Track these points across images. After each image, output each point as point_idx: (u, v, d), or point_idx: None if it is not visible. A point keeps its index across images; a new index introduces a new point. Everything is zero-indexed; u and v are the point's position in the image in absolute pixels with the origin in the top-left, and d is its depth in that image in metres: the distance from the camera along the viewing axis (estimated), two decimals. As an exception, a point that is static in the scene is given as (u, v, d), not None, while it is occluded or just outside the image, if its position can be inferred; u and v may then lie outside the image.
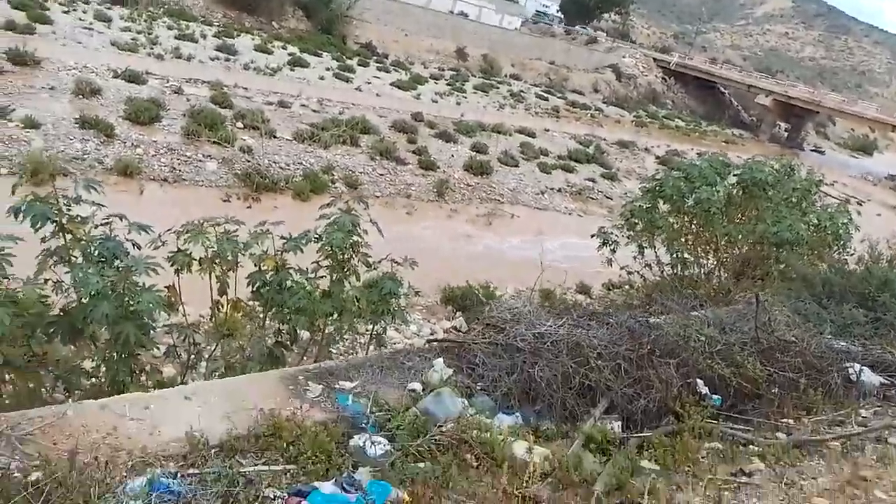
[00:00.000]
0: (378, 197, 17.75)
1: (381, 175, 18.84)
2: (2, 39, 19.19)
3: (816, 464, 3.74)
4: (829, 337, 5.71)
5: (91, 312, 4.48)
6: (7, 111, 14.54)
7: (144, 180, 14.36)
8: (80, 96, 16.70)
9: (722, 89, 68.49)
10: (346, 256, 5.66)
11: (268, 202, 14.85)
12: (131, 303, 4.75)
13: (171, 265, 5.47)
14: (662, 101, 60.33)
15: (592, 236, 12.08)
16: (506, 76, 49.90)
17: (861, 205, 37.08)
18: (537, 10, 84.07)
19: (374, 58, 40.43)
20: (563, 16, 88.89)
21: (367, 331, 6.54)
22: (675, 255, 11.16)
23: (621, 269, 12.31)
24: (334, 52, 36.69)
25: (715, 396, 4.49)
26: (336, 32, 42.10)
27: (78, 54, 20.22)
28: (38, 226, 4.94)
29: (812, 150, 65.64)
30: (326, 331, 5.93)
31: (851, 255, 12.10)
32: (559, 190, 23.12)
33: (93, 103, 16.58)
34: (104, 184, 13.98)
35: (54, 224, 5.07)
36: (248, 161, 16.15)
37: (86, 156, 14.23)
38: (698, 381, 4.48)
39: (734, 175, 11.50)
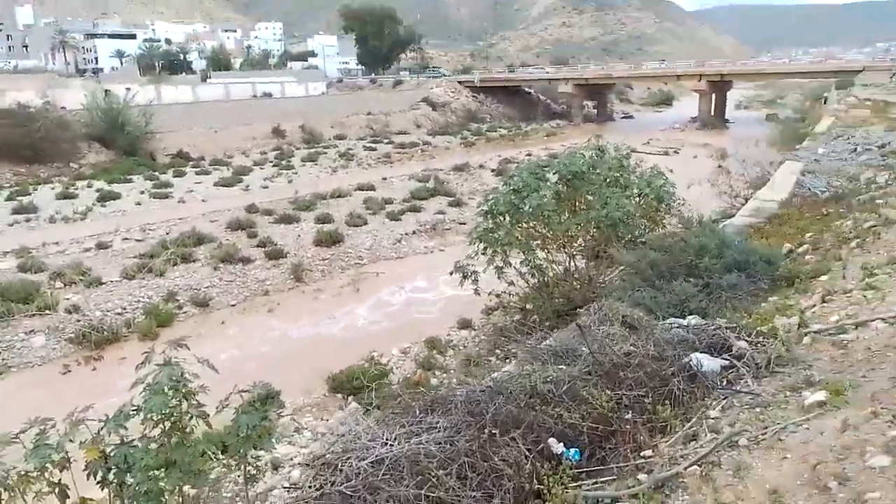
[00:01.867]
0: (233, 305, 16.81)
1: (230, 282, 17.90)
2: None
3: (682, 502, 3.70)
4: (669, 323, 5.86)
5: None
6: None
7: (-37, 385, 12.57)
8: None
9: (528, 90, 73.21)
10: (176, 416, 5.04)
11: (113, 356, 13.52)
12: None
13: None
14: (480, 117, 63.27)
15: (451, 273, 12.12)
16: (330, 139, 50.00)
17: (678, 152, 40.76)
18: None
19: (190, 164, 38.97)
20: (363, 67, 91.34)
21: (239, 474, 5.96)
22: (530, 265, 11.41)
23: (488, 294, 12.43)
24: (146, 173, 34.91)
25: (572, 450, 4.34)
26: (141, 152, 40.10)
27: None
28: None
29: (623, 118, 71.71)
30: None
31: (682, 205, 13.03)
32: (414, 232, 23.25)
33: None
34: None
35: None
36: (79, 320, 14.68)
37: None
38: (550, 441, 4.34)
39: (554, 173, 12.02)
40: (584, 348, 5.04)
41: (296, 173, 36.10)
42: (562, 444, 4.34)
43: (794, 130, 37.70)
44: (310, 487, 4.45)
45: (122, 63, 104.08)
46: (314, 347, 13.96)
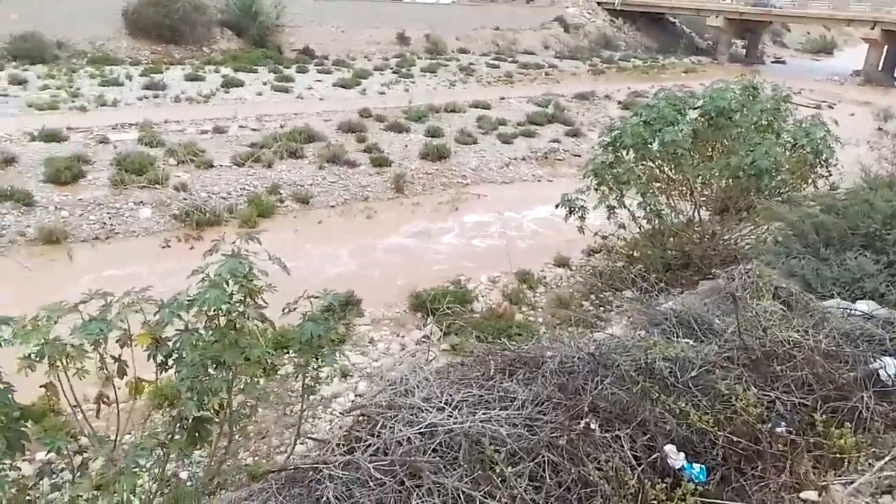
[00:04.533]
0: (332, 206, 16.69)
1: (333, 182, 17.73)
2: None
3: None
4: (839, 306, 4.56)
5: None
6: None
7: (74, 243, 13.23)
8: (-6, 168, 15.48)
9: (672, 19, 67.24)
10: (234, 314, 4.58)
11: (211, 237, 13.69)
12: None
13: (18, 370, 4.43)
14: (615, 44, 59.01)
15: (557, 206, 11.13)
16: (453, 52, 48.48)
17: (832, 108, 36.17)
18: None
19: (314, 61, 39.02)
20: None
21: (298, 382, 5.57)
22: (648, 209, 10.18)
23: (594, 234, 11.37)
24: (270, 65, 35.30)
25: (697, 467, 3.26)
26: (270, 44, 40.54)
27: (-10, 124, 18.90)
28: None
29: (773, 62, 64.68)
30: (235, 405, 4.90)
31: (835, 166, 11.12)
32: (523, 158, 22.09)
33: (8, 173, 15.34)
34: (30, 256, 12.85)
35: None
36: (185, 199, 15.01)
37: (4, 231, 13.07)
38: (668, 448, 3.27)
39: (695, 108, 10.51)
40: (718, 321, 3.93)
41: (413, 83, 35.27)
42: (682, 454, 3.23)
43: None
44: (338, 445, 3.73)
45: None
46: (403, 261, 13.56)
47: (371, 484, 3.09)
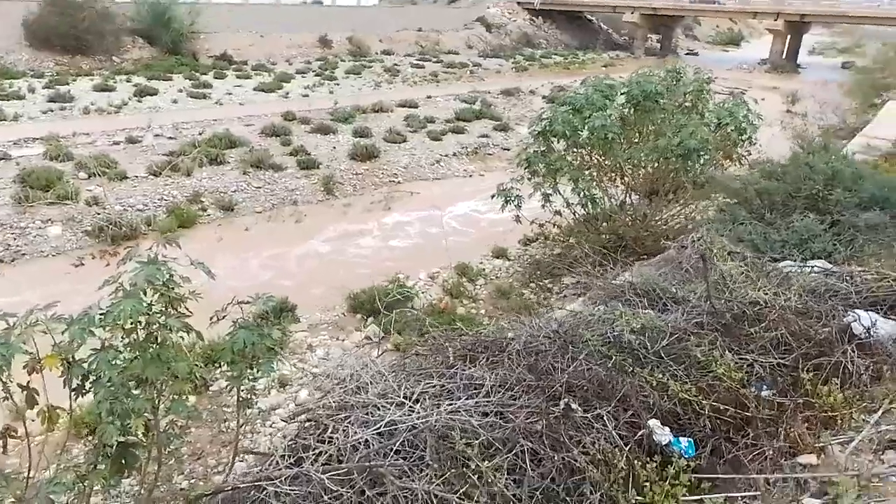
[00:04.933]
0: (259, 212, 16.04)
1: (259, 188, 17.06)
2: None
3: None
4: (793, 264, 4.54)
5: None
6: None
7: (-25, 268, 12.15)
8: None
9: (589, 17, 68.90)
10: (154, 326, 4.15)
11: (130, 254, 12.89)
12: None
13: None
14: (536, 42, 60.03)
15: (493, 197, 11.00)
16: (377, 53, 48.08)
17: (744, 93, 37.77)
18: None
19: (232, 67, 37.79)
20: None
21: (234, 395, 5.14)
22: (581, 195, 10.17)
23: (531, 223, 11.31)
24: (186, 72, 33.91)
25: (684, 441, 3.01)
26: (185, 51, 38.98)
27: None
28: None
29: (687, 54, 67.29)
30: (163, 425, 4.46)
31: (754, 144, 11.43)
32: (454, 154, 21.99)
33: None
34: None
35: None
36: (98, 214, 14.07)
37: None
38: (652, 423, 3.02)
39: (622, 94, 10.59)
40: (676, 290, 3.74)
41: (338, 84, 34.66)
42: (667, 429, 3.01)
43: (876, 79, 34.46)
44: (283, 457, 3.29)
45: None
46: (338, 263, 13.13)
47: (325, 497, 2.71)
